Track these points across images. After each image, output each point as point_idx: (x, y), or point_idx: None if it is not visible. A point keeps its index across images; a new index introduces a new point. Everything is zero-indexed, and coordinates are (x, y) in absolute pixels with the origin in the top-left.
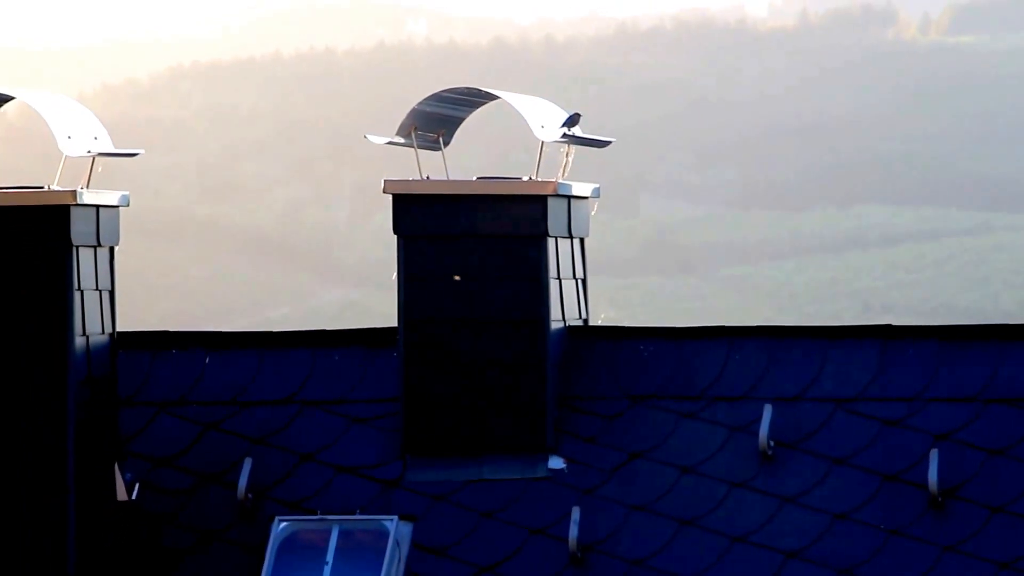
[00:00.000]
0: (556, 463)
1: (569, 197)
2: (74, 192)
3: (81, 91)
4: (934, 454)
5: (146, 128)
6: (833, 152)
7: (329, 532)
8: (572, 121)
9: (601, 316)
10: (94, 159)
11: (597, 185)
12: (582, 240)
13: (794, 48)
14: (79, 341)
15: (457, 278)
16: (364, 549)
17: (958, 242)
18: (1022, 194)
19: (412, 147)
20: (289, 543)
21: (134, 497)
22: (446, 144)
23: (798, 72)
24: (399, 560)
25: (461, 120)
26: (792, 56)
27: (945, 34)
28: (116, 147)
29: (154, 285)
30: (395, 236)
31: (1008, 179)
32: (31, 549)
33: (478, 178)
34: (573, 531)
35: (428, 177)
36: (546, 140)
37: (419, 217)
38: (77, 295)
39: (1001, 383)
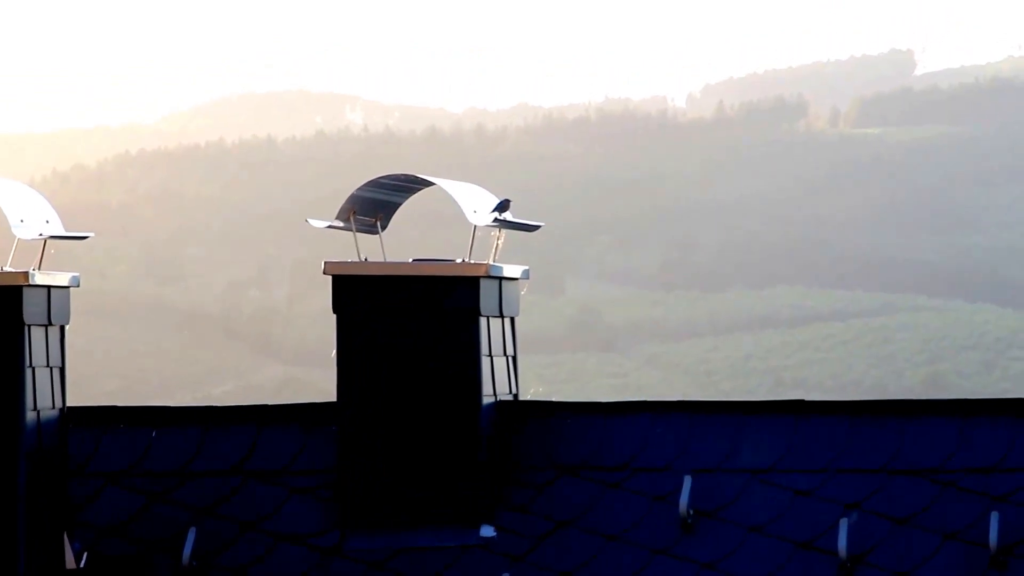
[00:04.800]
0: (488, 531)
1: (500, 278)
2: (26, 273)
3: (32, 177)
4: (843, 523)
5: (95, 212)
6: (748, 237)
7: None
8: (503, 207)
9: (530, 391)
10: (45, 242)
11: (527, 267)
12: (512, 319)
13: (711, 138)
14: (30, 416)
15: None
16: None
17: (864, 322)
18: (923, 277)
19: (351, 231)
20: None
21: (82, 566)
22: (383, 228)
23: (715, 161)
24: None
25: (398, 205)
26: (709, 145)
27: (852, 126)
28: (67, 230)
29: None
30: (334, 315)
31: (911, 262)
32: None
33: (414, 260)
34: None
35: (366, 259)
36: (478, 224)
37: (357, 297)
38: (29, 372)
39: (905, 455)
